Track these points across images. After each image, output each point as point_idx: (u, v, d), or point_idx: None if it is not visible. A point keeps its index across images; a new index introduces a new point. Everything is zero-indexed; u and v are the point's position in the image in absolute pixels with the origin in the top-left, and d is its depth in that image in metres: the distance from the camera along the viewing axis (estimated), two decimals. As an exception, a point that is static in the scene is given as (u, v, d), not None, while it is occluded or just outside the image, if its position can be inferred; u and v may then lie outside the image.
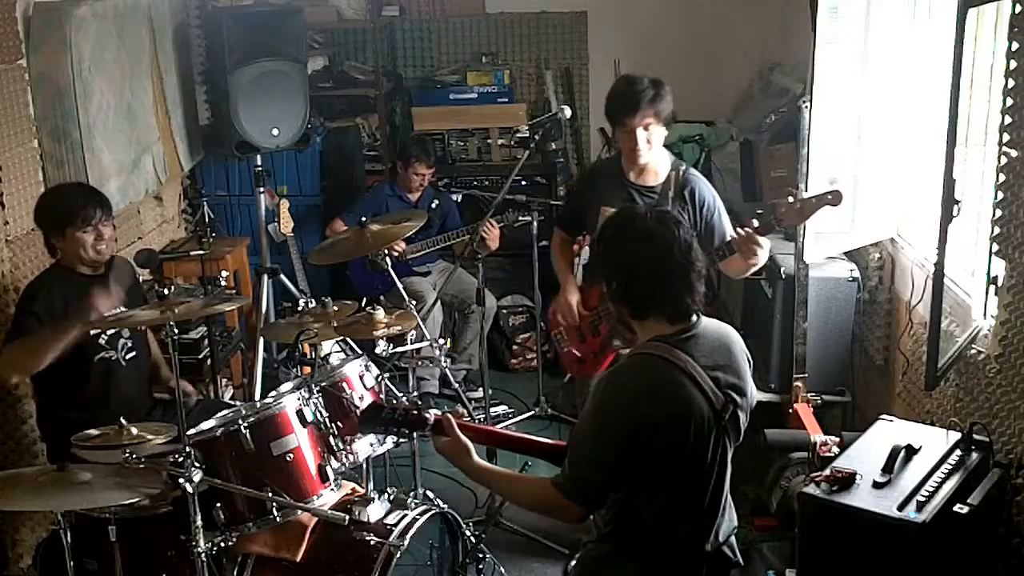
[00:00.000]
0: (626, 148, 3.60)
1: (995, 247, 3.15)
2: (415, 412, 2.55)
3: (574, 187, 4.03)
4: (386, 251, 4.22)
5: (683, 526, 2.36)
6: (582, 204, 3.85)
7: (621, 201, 3.60)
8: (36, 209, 3.69)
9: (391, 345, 3.79)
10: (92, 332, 3.53)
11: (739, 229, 3.40)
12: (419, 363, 4.29)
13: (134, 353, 3.72)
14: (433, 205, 5.64)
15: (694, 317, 2.37)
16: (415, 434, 2.80)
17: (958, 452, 3.03)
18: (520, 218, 5.22)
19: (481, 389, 5.01)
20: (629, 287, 2.37)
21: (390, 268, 4.24)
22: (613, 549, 2.39)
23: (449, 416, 2.52)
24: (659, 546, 2.36)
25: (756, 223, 3.32)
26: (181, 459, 2.84)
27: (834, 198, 3.25)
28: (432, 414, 2.55)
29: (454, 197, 5.87)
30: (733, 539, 2.49)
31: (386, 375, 3.56)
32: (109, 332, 3.61)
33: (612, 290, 2.40)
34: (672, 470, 2.30)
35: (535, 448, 2.60)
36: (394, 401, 2.64)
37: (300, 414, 3.12)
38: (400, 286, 4.26)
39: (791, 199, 3.31)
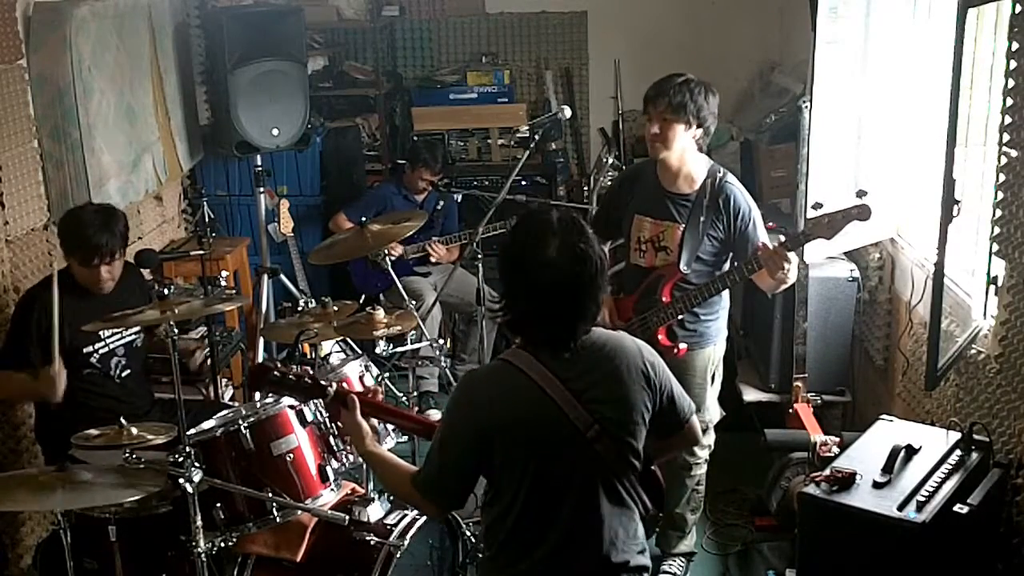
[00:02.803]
0: (647, 142, 3.50)
1: (995, 247, 3.15)
2: (309, 380, 2.50)
3: (611, 190, 3.88)
4: (386, 252, 4.22)
5: (545, 543, 2.26)
6: (619, 209, 3.71)
7: (656, 210, 3.54)
8: (59, 220, 3.75)
9: (391, 345, 3.78)
10: (83, 349, 3.56)
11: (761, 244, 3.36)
12: (419, 363, 4.29)
13: (129, 371, 3.73)
14: (439, 207, 5.65)
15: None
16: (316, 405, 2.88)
17: (958, 452, 3.03)
18: None
19: None
20: (506, 308, 2.29)
21: (390, 268, 4.24)
22: (489, 557, 2.36)
23: (354, 397, 2.48)
24: (525, 561, 2.28)
25: (783, 238, 3.30)
26: (181, 459, 2.84)
27: (861, 212, 3.19)
28: (333, 386, 2.51)
29: (455, 198, 5.87)
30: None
31: (386, 375, 3.56)
32: (101, 351, 3.62)
33: (498, 294, 2.33)
34: (521, 482, 2.23)
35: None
36: (293, 367, 2.60)
37: (300, 414, 3.12)
38: (399, 285, 4.26)
39: (818, 213, 3.27)
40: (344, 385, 2.76)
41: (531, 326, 2.27)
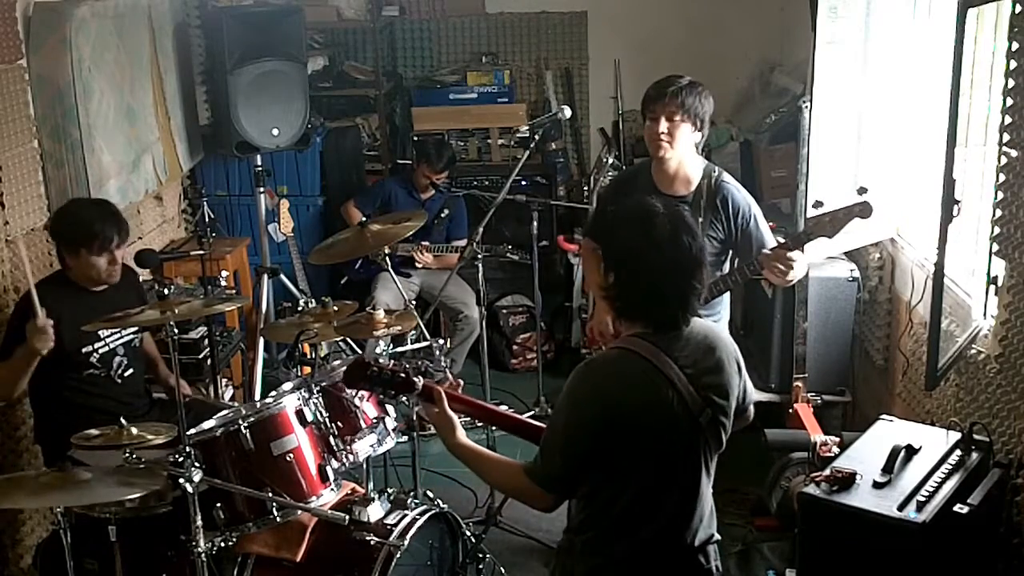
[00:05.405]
0: (649, 141, 3.45)
1: (995, 247, 3.15)
2: (402, 376, 2.51)
3: (605, 194, 3.84)
4: (384, 252, 4.22)
5: (651, 524, 2.32)
6: None
7: None
8: (52, 221, 3.70)
9: (391, 345, 3.79)
10: (82, 349, 3.54)
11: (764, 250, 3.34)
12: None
13: (132, 371, 3.72)
14: (443, 213, 5.61)
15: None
16: (411, 402, 2.80)
17: (958, 452, 3.03)
18: (509, 255, 5.22)
19: None
20: (621, 290, 2.32)
21: (389, 267, 4.25)
22: (584, 542, 2.37)
23: (441, 390, 2.48)
24: (627, 542, 2.33)
25: (782, 239, 3.29)
26: (181, 459, 2.84)
27: (863, 210, 3.17)
28: (421, 381, 2.51)
29: (462, 203, 5.83)
30: (712, 548, 2.42)
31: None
32: (101, 350, 3.61)
33: (606, 282, 2.33)
34: (641, 466, 2.28)
35: (524, 429, 2.54)
36: (383, 362, 2.60)
37: (300, 414, 3.12)
38: (395, 279, 4.26)
39: (819, 211, 3.26)
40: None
41: (648, 307, 2.31)
